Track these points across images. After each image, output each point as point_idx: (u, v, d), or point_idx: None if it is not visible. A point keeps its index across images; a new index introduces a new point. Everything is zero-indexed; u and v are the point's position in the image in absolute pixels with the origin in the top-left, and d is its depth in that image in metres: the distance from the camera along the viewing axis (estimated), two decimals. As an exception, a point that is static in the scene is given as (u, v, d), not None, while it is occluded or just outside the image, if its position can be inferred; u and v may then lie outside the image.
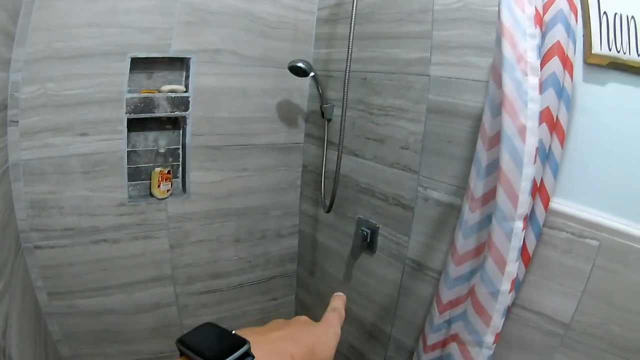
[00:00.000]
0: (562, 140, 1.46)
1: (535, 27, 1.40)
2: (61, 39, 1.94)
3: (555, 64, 1.39)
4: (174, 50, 2.26)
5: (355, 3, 2.03)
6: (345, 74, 2.10)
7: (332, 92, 2.42)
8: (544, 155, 1.44)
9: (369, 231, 2.21)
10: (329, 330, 0.60)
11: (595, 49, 1.41)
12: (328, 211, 2.32)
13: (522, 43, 1.39)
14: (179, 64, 2.36)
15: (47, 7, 1.89)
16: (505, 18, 1.39)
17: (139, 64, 2.22)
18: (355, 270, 2.38)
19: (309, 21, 2.62)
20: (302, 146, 2.77)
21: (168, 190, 2.35)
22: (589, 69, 1.46)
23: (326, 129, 2.34)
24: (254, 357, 0.45)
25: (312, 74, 2.34)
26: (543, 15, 1.42)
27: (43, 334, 1.98)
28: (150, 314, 2.48)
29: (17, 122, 1.92)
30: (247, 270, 2.75)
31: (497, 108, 1.41)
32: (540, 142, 1.42)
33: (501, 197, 1.38)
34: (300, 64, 2.31)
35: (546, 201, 1.46)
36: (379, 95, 2.19)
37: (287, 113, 2.67)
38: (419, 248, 1.99)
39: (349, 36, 2.07)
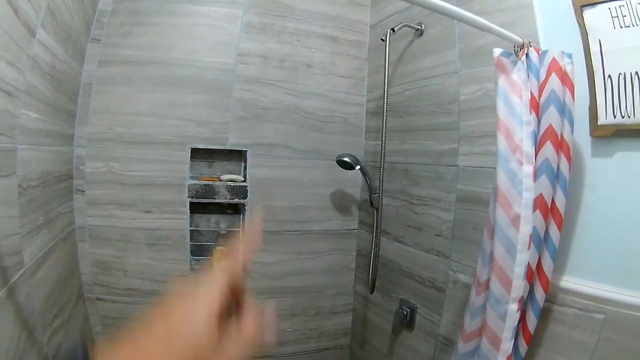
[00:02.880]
0: (560, 224, 1.36)
1: (531, 113, 1.34)
2: (121, 124, 2.15)
3: (548, 149, 1.31)
4: (231, 143, 2.37)
5: (386, 98, 2.09)
6: (380, 166, 2.15)
7: (382, 182, 2.38)
8: (539, 240, 1.34)
9: (408, 310, 2.18)
10: (199, 306, 0.47)
11: (601, 119, 1.33)
12: (371, 292, 2.34)
13: (519, 132, 1.33)
14: (237, 155, 2.46)
15: (105, 92, 2.12)
16: (501, 110, 1.34)
17: (200, 154, 2.35)
18: (397, 345, 2.32)
19: (359, 114, 2.65)
20: (356, 232, 2.74)
21: None
22: (596, 143, 1.38)
23: (375, 217, 2.29)
24: None
25: (357, 167, 2.35)
26: (539, 99, 1.34)
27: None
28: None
29: (84, 191, 2.10)
30: (302, 341, 2.70)
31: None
32: (535, 229, 1.33)
33: (494, 283, 1.34)
34: (346, 159, 2.34)
35: (545, 283, 1.37)
36: (417, 185, 2.17)
37: (340, 202, 2.69)
38: (449, 326, 1.96)
39: (382, 129, 2.12)
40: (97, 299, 2.18)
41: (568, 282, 1.43)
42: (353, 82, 2.63)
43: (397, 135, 2.28)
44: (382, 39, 2.15)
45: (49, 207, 1.72)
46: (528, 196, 1.31)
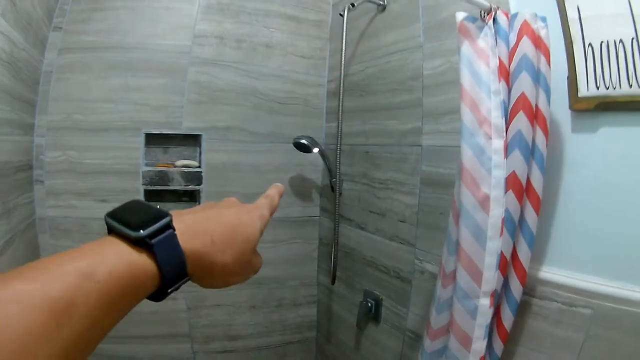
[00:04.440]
0: (537, 207, 1.19)
1: (500, 81, 1.17)
2: (79, 111, 2.05)
3: (521, 121, 1.14)
4: (186, 127, 2.22)
5: (342, 76, 1.97)
6: (337, 147, 2.03)
7: (343, 166, 2.22)
8: (513, 225, 1.17)
9: (373, 302, 2.03)
10: (254, 212, 0.57)
11: (582, 91, 1.16)
12: (332, 283, 2.20)
13: (486, 102, 1.17)
14: (193, 140, 2.30)
15: (65, 79, 2.02)
16: (465, 79, 1.18)
17: (155, 139, 2.21)
18: (364, 339, 2.16)
19: (319, 95, 2.50)
20: (318, 219, 2.58)
21: None
22: (577, 117, 1.22)
23: (336, 202, 2.13)
24: (174, 229, 0.44)
25: (316, 149, 2.19)
26: (509, 66, 1.17)
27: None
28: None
29: (43, 182, 2.01)
30: (264, 334, 2.54)
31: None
32: (507, 212, 1.16)
33: (461, 275, 1.16)
34: (303, 141, 2.18)
35: (522, 274, 1.20)
36: (379, 168, 2.00)
37: (301, 187, 2.53)
38: (416, 320, 1.80)
39: (339, 109, 1.99)
40: None
41: (548, 273, 1.26)
42: (314, 63, 2.48)
43: (358, 115, 2.13)
44: (340, 14, 2.00)
45: (7, 198, 1.63)
46: (499, 174, 1.14)
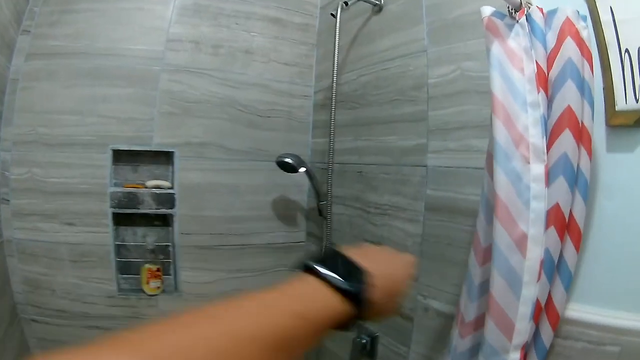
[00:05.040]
0: (578, 243, 0.98)
1: (539, 92, 0.94)
2: (44, 123, 1.88)
3: (566, 140, 0.92)
4: (157, 143, 1.99)
5: (334, 85, 1.77)
6: (329, 167, 1.82)
7: (332, 187, 1.98)
8: (551, 267, 0.96)
9: (368, 339, 1.81)
10: (409, 270, 0.68)
11: (620, 104, 0.98)
12: None
13: (522, 117, 0.93)
14: (165, 157, 2.05)
15: (31, 88, 1.86)
16: (497, 87, 0.94)
17: (124, 156, 2.00)
18: None
19: (305, 107, 2.26)
20: (304, 245, 2.33)
21: (158, 287, 2.03)
22: (613, 134, 1.04)
23: (325, 228, 1.88)
24: (367, 284, 0.54)
25: (302, 169, 1.95)
26: (548, 73, 0.93)
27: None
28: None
29: (9, 201, 1.85)
30: None
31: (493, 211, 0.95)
32: (547, 252, 0.94)
33: (490, 328, 0.96)
34: (287, 159, 1.94)
35: (555, 321, 1.00)
36: (375, 191, 1.78)
37: (284, 210, 2.28)
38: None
39: (330, 124, 1.79)
40: (31, 320, 1.91)
41: (575, 311, 1.07)
42: (299, 71, 2.25)
43: (350, 130, 1.90)
44: (332, 14, 1.79)
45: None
46: (539, 207, 0.92)
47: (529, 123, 0.92)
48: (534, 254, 0.91)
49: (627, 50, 0.96)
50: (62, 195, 1.89)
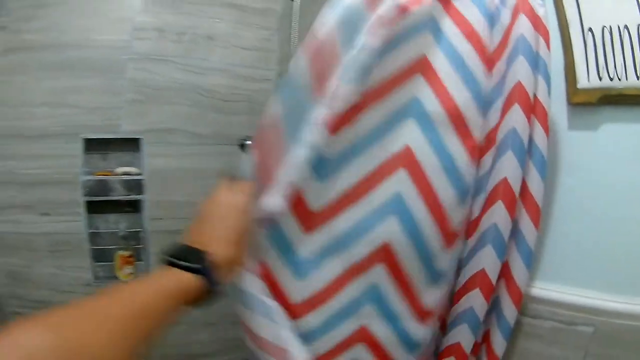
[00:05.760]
0: (537, 219, 0.95)
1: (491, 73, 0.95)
2: (19, 117, 1.91)
3: (516, 115, 0.89)
4: (125, 130, 2.04)
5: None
6: None
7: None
8: (501, 241, 0.93)
9: None
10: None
11: (582, 82, 0.96)
12: None
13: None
14: (133, 144, 2.09)
15: (7, 82, 1.90)
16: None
17: (94, 145, 2.03)
18: None
19: (267, 91, 2.27)
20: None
21: (131, 274, 2.08)
22: (575, 112, 1.01)
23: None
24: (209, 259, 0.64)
25: None
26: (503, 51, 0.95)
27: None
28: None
29: None
30: (222, 351, 2.38)
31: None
32: (495, 226, 0.92)
33: None
34: (249, 142, 1.91)
35: (517, 298, 0.97)
36: None
37: None
38: None
39: None
40: (14, 312, 1.95)
41: (543, 289, 1.06)
42: (260, 55, 2.27)
43: None
44: None
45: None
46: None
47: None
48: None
49: (590, 29, 0.95)
50: (37, 185, 1.93)
